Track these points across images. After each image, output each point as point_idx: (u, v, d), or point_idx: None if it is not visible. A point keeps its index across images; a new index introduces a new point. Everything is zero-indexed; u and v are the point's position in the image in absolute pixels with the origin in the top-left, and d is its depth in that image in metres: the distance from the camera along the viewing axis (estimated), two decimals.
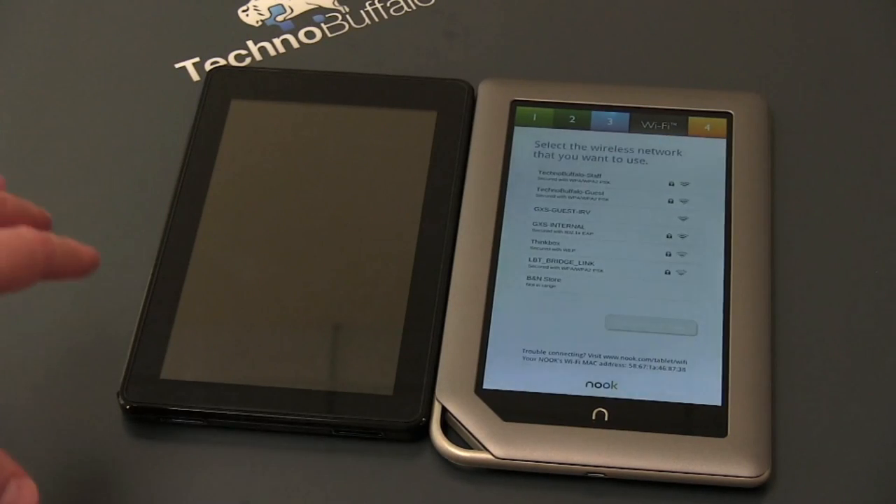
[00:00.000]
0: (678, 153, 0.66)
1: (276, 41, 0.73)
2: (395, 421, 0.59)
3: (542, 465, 0.58)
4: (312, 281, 0.63)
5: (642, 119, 0.67)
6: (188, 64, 0.72)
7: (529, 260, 0.63)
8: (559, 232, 0.64)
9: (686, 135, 0.67)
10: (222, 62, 0.72)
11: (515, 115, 0.68)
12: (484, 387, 0.60)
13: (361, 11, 0.74)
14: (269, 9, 0.74)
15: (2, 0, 0.75)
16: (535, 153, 0.67)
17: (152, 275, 0.63)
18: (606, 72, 0.71)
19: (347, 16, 0.74)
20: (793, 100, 0.70)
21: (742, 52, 0.72)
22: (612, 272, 0.63)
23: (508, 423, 0.59)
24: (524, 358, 0.61)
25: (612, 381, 0.60)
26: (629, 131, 0.67)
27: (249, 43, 0.73)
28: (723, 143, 0.67)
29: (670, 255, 0.63)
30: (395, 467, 0.59)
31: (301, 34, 0.73)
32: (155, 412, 0.60)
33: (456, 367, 0.60)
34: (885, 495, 0.58)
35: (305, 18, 0.74)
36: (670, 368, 0.60)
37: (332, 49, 0.73)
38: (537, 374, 0.60)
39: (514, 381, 0.60)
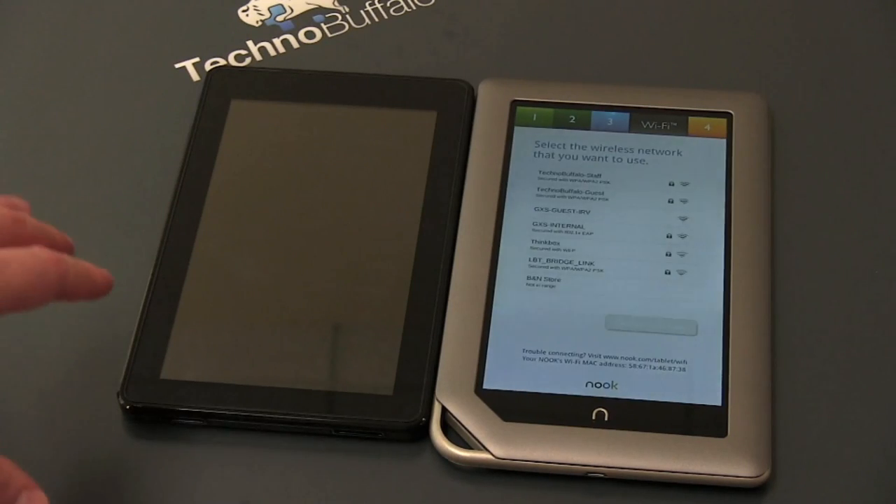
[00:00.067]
0: (678, 153, 0.66)
1: (276, 41, 0.73)
2: (395, 421, 0.59)
3: (542, 465, 0.58)
4: (312, 281, 0.63)
5: (642, 119, 0.67)
6: (188, 64, 0.72)
7: (529, 260, 0.63)
8: (559, 232, 0.64)
9: (686, 135, 0.67)
10: (222, 62, 0.72)
11: (515, 115, 0.68)
12: (484, 387, 0.60)
13: (361, 11, 0.74)
14: (269, 9, 0.74)
15: (2, 0, 0.75)
16: (535, 153, 0.67)
17: (152, 275, 0.63)
18: (606, 72, 0.71)
19: (347, 16, 0.74)
20: (793, 100, 0.70)
21: (742, 52, 0.72)
22: (612, 272, 0.63)
23: (508, 423, 0.59)
24: (524, 358, 0.61)
25: (612, 381, 0.60)
26: (629, 131, 0.67)
27: (249, 43, 0.73)
28: (723, 143, 0.67)
29: (670, 255, 0.63)
30: (395, 467, 0.59)
31: (301, 34, 0.73)
32: (155, 412, 0.60)
33: (456, 367, 0.60)
34: (885, 495, 0.58)
35: (305, 18, 0.74)
36: (670, 368, 0.60)
37: (332, 49, 0.73)
38: (537, 374, 0.60)
39: (514, 381, 0.60)
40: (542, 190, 0.65)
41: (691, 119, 0.67)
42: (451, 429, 0.59)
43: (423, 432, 0.59)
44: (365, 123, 0.68)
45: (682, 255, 0.63)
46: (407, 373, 0.60)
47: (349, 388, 0.60)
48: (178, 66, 0.72)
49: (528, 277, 0.63)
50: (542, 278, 0.63)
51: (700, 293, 0.62)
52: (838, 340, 0.62)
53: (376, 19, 0.74)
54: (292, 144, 0.68)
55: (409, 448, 0.59)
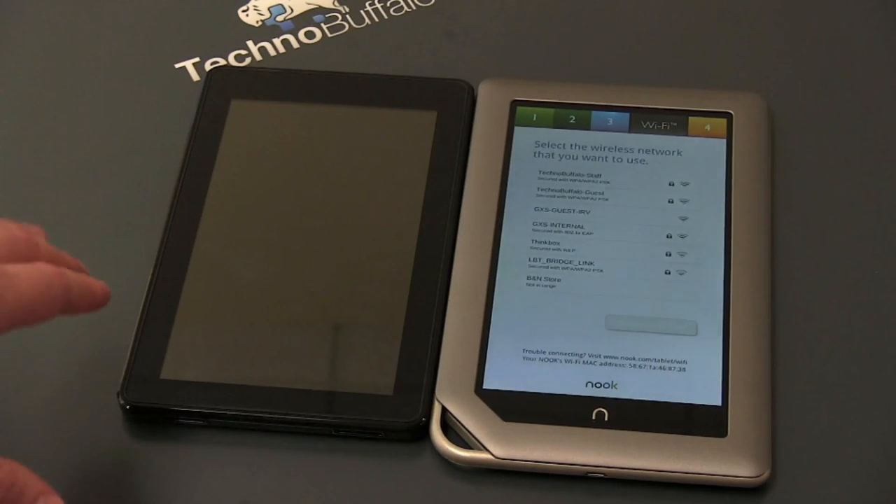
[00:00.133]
0: (678, 153, 0.66)
1: (276, 41, 0.73)
2: (395, 421, 0.59)
3: (542, 465, 0.58)
4: (312, 281, 0.63)
5: (642, 119, 0.67)
6: (188, 64, 0.72)
7: (529, 260, 0.63)
8: (559, 232, 0.64)
9: (686, 135, 0.67)
10: (222, 62, 0.72)
11: (515, 115, 0.68)
12: (484, 387, 0.60)
13: (361, 11, 0.74)
14: (269, 9, 0.74)
15: (2, 0, 0.75)
16: (535, 153, 0.67)
17: (152, 275, 0.63)
18: (606, 72, 0.71)
19: (347, 16, 0.74)
20: (793, 100, 0.70)
21: (742, 52, 0.72)
22: (612, 272, 0.63)
23: (508, 423, 0.59)
24: (524, 358, 0.61)
25: (612, 381, 0.60)
26: (629, 131, 0.67)
27: (249, 43, 0.73)
28: (723, 143, 0.67)
29: (670, 255, 0.63)
30: (395, 467, 0.59)
31: (301, 34, 0.73)
32: (155, 412, 0.60)
33: (456, 367, 0.60)
34: (885, 495, 0.58)
35: (305, 18, 0.74)
36: (670, 368, 0.60)
37: (332, 49, 0.73)
38: (537, 374, 0.60)
39: (514, 381, 0.60)
40: (542, 190, 0.65)
41: (691, 119, 0.67)
42: (451, 429, 0.59)
43: (423, 432, 0.59)
44: (365, 123, 0.68)
45: (682, 255, 0.63)
46: (407, 373, 0.60)
47: (349, 388, 0.60)
48: (178, 66, 0.72)
49: (528, 277, 0.63)
50: (542, 278, 0.63)
51: (700, 293, 0.62)
52: (838, 340, 0.62)
53: (376, 19, 0.74)
54: (292, 144, 0.68)
55: (409, 448, 0.59)
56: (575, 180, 0.66)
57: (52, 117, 0.70)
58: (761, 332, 0.61)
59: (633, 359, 0.60)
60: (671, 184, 0.65)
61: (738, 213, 0.64)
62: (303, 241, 0.65)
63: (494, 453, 0.58)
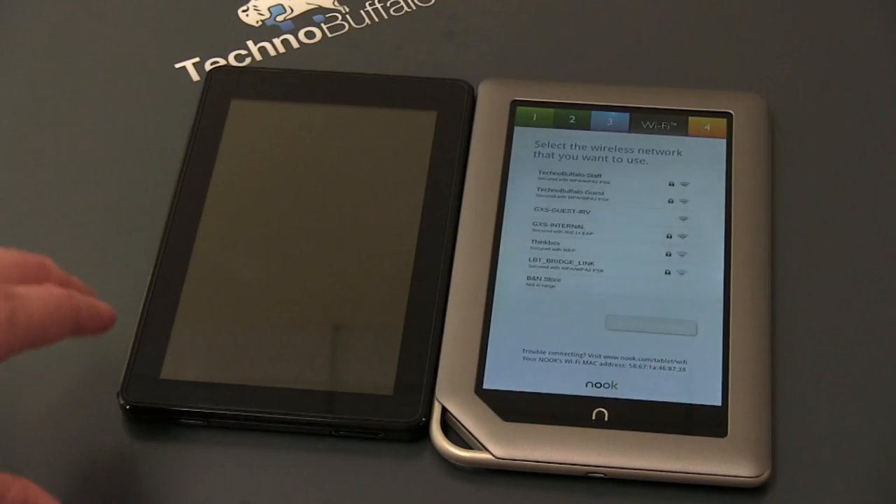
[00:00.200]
0: (678, 153, 0.66)
1: (276, 41, 0.73)
2: (395, 421, 0.59)
3: (542, 465, 0.58)
4: (312, 281, 0.63)
5: (642, 119, 0.67)
6: (188, 64, 0.72)
7: (529, 260, 0.63)
8: (559, 232, 0.64)
9: (686, 135, 0.67)
10: (222, 62, 0.72)
11: (515, 115, 0.68)
12: (484, 387, 0.60)
13: (361, 11, 0.74)
14: (269, 9, 0.74)
15: (2, 0, 0.75)
16: (535, 153, 0.67)
17: (152, 275, 0.63)
18: (606, 72, 0.71)
19: (347, 16, 0.74)
20: (793, 100, 0.70)
21: (742, 52, 0.72)
22: (612, 272, 0.63)
23: (508, 423, 0.59)
24: (524, 358, 0.61)
25: (612, 381, 0.60)
26: (629, 131, 0.67)
27: (249, 43, 0.73)
28: (723, 143, 0.67)
29: (670, 255, 0.63)
30: (395, 467, 0.59)
31: (301, 34, 0.73)
32: (155, 412, 0.60)
33: (456, 367, 0.60)
34: (885, 495, 0.58)
35: (305, 18, 0.74)
36: (670, 368, 0.60)
37: (332, 49, 0.73)
38: (537, 374, 0.60)
39: (514, 381, 0.60)
40: (542, 190, 0.65)
41: (691, 119, 0.67)
42: (451, 429, 0.59)
43: (423, 432, 0.59)
44: (365, 123, 0.68)
45: (682, 255, 0.63)
46: (407, 373, 0.60)
47: (349, 388, 0.60)
48: (178, 66, 0.72)
49: (528, 277, 0.63)
50: (542, 278, 0.63)
51: (700, 293, 0.62)
52: (838, 340, 0.62)
53: (376, 19, 0.74)
54: (292, 144, 0.68)
55: (409, 448, 0.59)
56: (575, 180, 0.66)
57: (52, 117, 0.70)
58: (761, 332, 0.61)
59: (633, 359, 0.60)
60: (671, 184, 0.65)
61: (738, 213, 0.64)
62: (303, 240, 0.65)
63: (494, 453, 0.58)
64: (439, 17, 0.74)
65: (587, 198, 0.65)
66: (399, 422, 0.59)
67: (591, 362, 0.60)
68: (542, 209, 0.65)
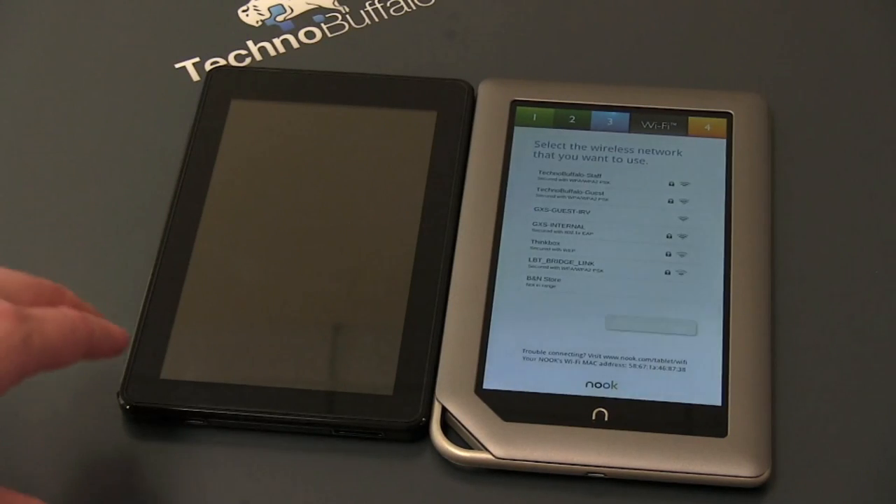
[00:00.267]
0: (678, 153, 0.66)
1: (276, 41, 0.73)
2: (395, 421, 0.59)
3: (542, 465, 0.58)
4: (312, 281, 0.63)
5: (642, 119, 0.67)
6: (188, 64, 0.72)
7: (529, 260, 0.63)
8: (559, 232, 0.64)
9: (686, 135, 0.67)
10: (222, 62, 0.72)
11: (515, 115, 0.68)
12: (484, 387, 0.60)
13: (361, 11, 0.74)
14: (269, 9, 0.74)
15: (2, 0, 0.75)
16: (535, 153, 0.67)
17: (152, 275, 0.63)
18: (606, 72, 0.71)
19: (347, 16, 0.74)
20: (793, 100, 0.70)
21: (742, 52, 0.72)
22: (612, 272, 0.63)
23: (508, 423, 0.59)
24: (524, 358, 0.61)
25: (612, 381, 0.60)
26: (629, 131, 0.67)
27: (249, 43, 0.73)
28: (723, 143, 0.67)
29: (670, 255, 0.63)
30: (395, 467, 0.59)
31: (301, 34, 0.73)
32: (155, 412, 0.60)
33: (456, 367, 0.60)
34: (885, 495, 0.58)
35: (305, 18, 0.74)
36: (670, 368, 0.60)
37: (332, 49, 0.73)
38: (537, 374, 0.60)
39: (514, 381, 0.60)
40: (542, 190, 0.65)
41: (691, 119, 0.67)
42: (451, 429, 0.59)
43: (423, 432, 0.59)
44: (365, 123, 0.68)
45: (682, 255, 0.63)
46: (407, 373, 0.60)
47: (349, 388, 0.60)
48: (178, 66, 0.72)
49: (528, 277, 0.63)
50: (542, 278, 0.63)
51: (700, 293, 0.62)
52: (838, 340, 0.62)
53: (376, 19, 0.74)
54: (292, 144, 0.68)
55: (409, 448, 0.59)
56: (575, 180, 0.66)
57: (51, 117, 0.70)
58: (761, 332, 0.61)
59: (633, 359, 0.60)
60: (671, 184, 0.65)
61: (738, 213, 0.64)
62: (303, 240, 0.65)
63: (494, 453, 0.58)
64: (439, 17, 0.74)
65: (587, 198, 0.65)
66: (399, 422, 0.59)
67: (591, 362, 0.60)
68: (542, 209, 0.65)
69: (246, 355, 0.61)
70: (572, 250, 0.64)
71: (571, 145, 0.67)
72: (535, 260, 0.63)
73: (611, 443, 0.58)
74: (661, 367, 0.60)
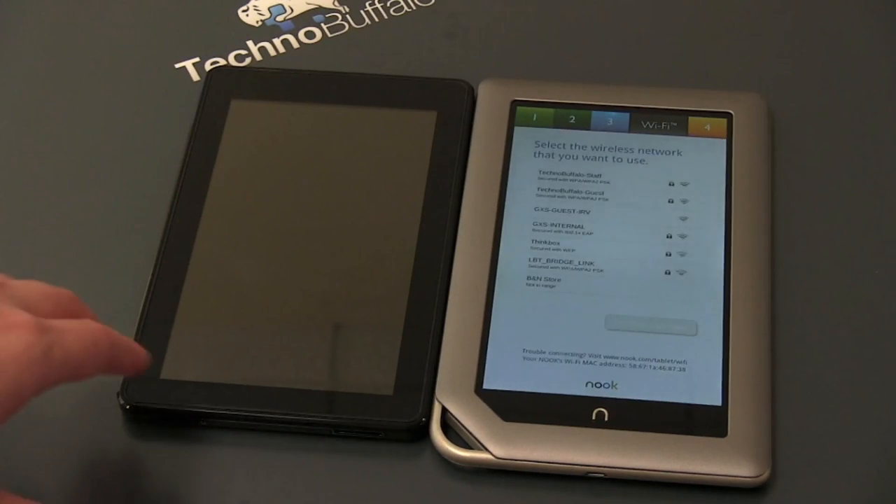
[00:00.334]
0: (678, 153, 0.66)
1: (276, 41, 0.73)
2: (395, 421, 0.59)
3: (542, 465, 0.58)
4: (312, 281, 0.63)
5: (642, 119, 0.67)
6: (188, 64, 0.72)
7: (529, 260, 0.63)
8: (559, 232, 0.64)
9: (686, 135, 0.67)
10: (222, 62, 0.72)
11: (515, 115, 0.68)
12: (484, 387, 0.60)
13: (361, 11, 0.74)
14: (269, 9, 0.74)
15: (2, 0, 0.75)
16: (535, 153, 0.67)
17: (152, 275, 0.63)
18: (606, 72, 0.71)
19: (347, 16, 0.74)
20: (793, 100, 0.70)
21: (742, 52, 0.72)
22: (612, 272, 0.63)
23: (508, 423, 0.59)
24: (524, 358, 0.61)
25: (612, 381, 0.60)
26: (629, 131, 0.67)
27: (249, 43, 0.73)
28: (723, 143, 0.67)
29: (670, 255, 0.63)
30: (395, 467, 0.59)
31: (301, 34, 0.73)
32: (155, 412, 0.60)
33: (456, 367, 0.60)
34: (885, 495, 0.58)
35: (305, 18, 0.74)
36: (670, 368, 0.60)
37: (332, 49, 0.73)
38: (537, 374, 0.60)
39: (514, 381, 0.60)
40: (542, 190, 0.65)
41: (691, 119, 0.67)
42: (451, 429, 0.59)
43: (423, 432, 0.59)
44: (365, 123, 0.68)
45: (682, 255, 0.63)
46: (407, 373, 0.60)
47: (349, 388, 0.60)
48: (178, 66, 0.72)
49: (528, 277, 0.63)
50: (542, 278, 0.63)
51: (700, 293, 0.62)
52: (838, 340, 0.62)
53: (376, 19, 0.74)
54: (292, 144, 0.68)
55: (409, 448, 0.59)
56: (575, 180, 0.66)
57: (51, 117, 0.70)
58: (761, 332, 0.61)
59: (633, 359, 0.60)
60: (671, 184, 0.65)
61: (738, 213, 0.64)
62: (303, 240, 0.65)
63: (494, 453, 0.58)
64: (439, 17, 0.74)
65: (587, 198, 0.65)
66: (399, 422, 0.59)
67: (591, 362, 0.60)
68: (542, 209, 0.65)
69: (246, 355, 0.61)
70: (572, 250, 0.64)
71: (571, 145, 0.67)
72: (535, 260, 0.63)
73: (611, 443, 0.58)
74: (661, 367, 0.60)
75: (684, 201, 0.65)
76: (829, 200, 0.66)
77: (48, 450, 0.59)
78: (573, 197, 0.65)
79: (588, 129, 0.67)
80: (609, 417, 0.59)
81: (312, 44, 0.73)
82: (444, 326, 0.61)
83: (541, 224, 0.64)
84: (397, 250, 0.64)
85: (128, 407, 0.60)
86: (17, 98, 0.71)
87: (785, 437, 0.59)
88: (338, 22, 0.74)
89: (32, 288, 0.54)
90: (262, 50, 0.73)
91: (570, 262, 0.63)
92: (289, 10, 0.74)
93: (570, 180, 0.66)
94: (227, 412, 0.59)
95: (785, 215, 0.66)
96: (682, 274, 0.63)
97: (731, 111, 0.67)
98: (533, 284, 0.63)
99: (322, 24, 0.74)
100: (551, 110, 0.68)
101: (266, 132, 0.68)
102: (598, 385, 0.60)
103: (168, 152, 0.67)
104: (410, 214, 0.65)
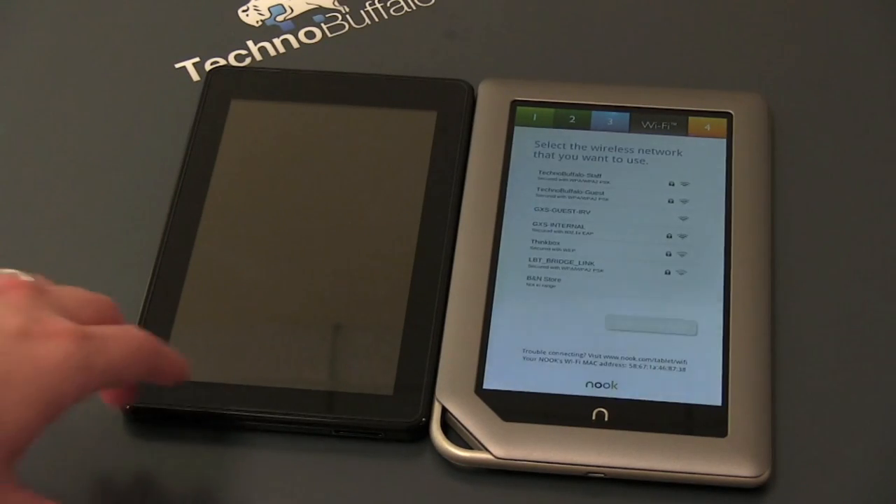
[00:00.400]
0: (678, 153, 0.66)
1: (276, 41, 0.73)
2: (395, 421, 0.59)
3: (542, 465, 0.58)
4: (312, 281, 0.63)
5: (642, 119, 0.67)
6: (188, 64, 0.72)
7: (529, 260, 0.63)
8: (559, 232, 0.64)
9: (686, 135, 0.67)
10: (222, 62, 0.72)
11: (515, 115, 0.68)
12: (484, 387, 0.60)
13: (361, 11, 0.74)
14: (269, 9, 0.74)
15: (2, 0, 0.75)
16: (535, 153, 0.67)
17: (152, 275, 0.63)
18: (606, 72, 0.71)
19: (347, 16, 0.74)
20: (793, 100, 0.70)
21: (742, 52, 0.72)
22: (612, 272, 0.63)
23: (508, 423, 0.59)
24: (524, 358, 0.61)
25: (612, 381, 0.60)
26: (629, 131, 0.67)
27: (249, 43, 0.73)
28: (723, 143, 0.67)
29: (670, 255, 0.63)
30: (395, 467, 0.59)
31: (301, 34, 0.73)
32: (155, 412, 0.60)
33: (456, 367, 0.60)
34: (885, 495, 0.58)
35: (305, 18, 0.74)
36: (670, 368, 0.60)
37: (332, 49, 0.73)
38: (537, 374, 0.60)
39: (514, 381, 0.60)
40: (542, 190, 0.65)
41: (691, 119, 0.67)
42: (451, 429, 0.59)
43: (423, 432, 0.59)
44: (365, 123, 0.68)
45: (682, 255, 0.63)
46: (407, 373, 0.60)
47: (349, 388, 0.60)
48: (178, 66, 0.72)
49: (528, 277, 0.63)
50: (542, 278, 0.63)
51: (700, 293, 0.62)
52: (838, 341, 0.62)
53: (376, 19, 0.74)
54: (292, 144, 0.68)
55: (409, 448, 0.59)
56: (575, 180, 0.66)
57: (52, 117, 0.70)
58: (761, 332, 0.61)
59: (633, 359, 0.60)
60: (671, 184, 0.65)
61: (738, 213, 0.64)
62: (303, 240, 0.65)
63: (494, 453, 0.58)
64: (439, 17, 0.74)
65: (587, 198, 0.65)
66: (399, 422, 0.59)
67: (591, 362, 0.60)
68: (542, 209, 0.65)
69: (246, 355, 0.61)
70: (572, 250, 0.64)
71: (571, 145, 0.67)
72: (535, 260, 0.63)
73: (611, 443, 0.58)
74: (661, 367, 0.60)
75: (684, 201, 0.65)
76: (828, 200, 0.66)
77: (48, 450, 0.59)
78: (573, 197, 0.65)
79: (588, 129, 0.67)
80: (609, 417, 0.59)
81: (312, 44, 0.73)
82: (444, 326, 0.61)
83: (541, 224, 0.64)
84: (397, 250, 0.64)
85: (128, 407, 0.59)
86: (18, 98, 0.71)
87: (785, 437, 0.59)
88: (338, 22, 0.74)
89: (73, 294, 0.54)
90: (262, 50, 0.73)
91: (570, 262, 0.63)
92: (289, 10, 0.74)
93: (570, 180, 0.66)
94: (228, 412, 0.59)
95: (785, 215, 0.66)
96: (682, 274, 0.63)
97: (731, 111, 0.67)
98: (533, 284, 0.63)
99: (322, 24, 0.74)
100: (551, 110, 0.68)
101: (266, 132, 0.68)
102: (598, 385, 0.60)
103: (168, 152, 0.67)
104: (410, 214, 0.65)
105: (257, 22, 0.74)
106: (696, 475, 0.58)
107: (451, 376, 0.60)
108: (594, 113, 0.68)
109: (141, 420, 0.60)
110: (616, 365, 0.60)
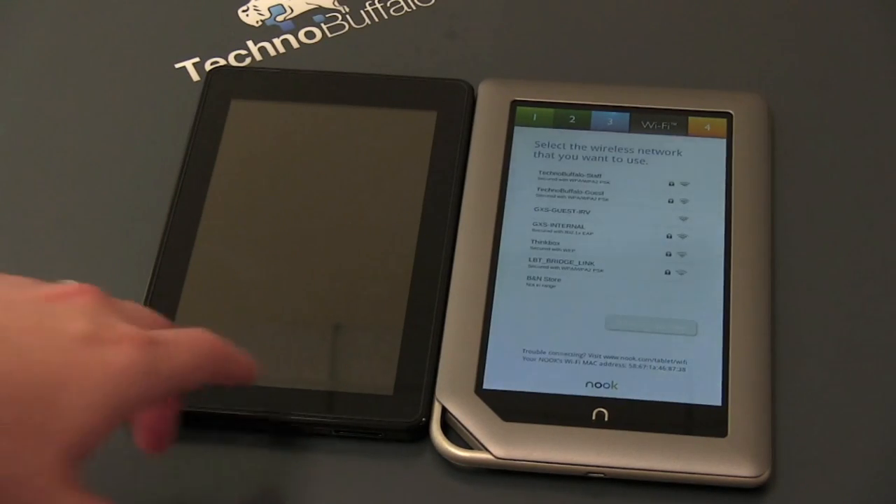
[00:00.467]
0: (678, 153, 0.66)
1: (276, 41, 0.73)
2: (395, 421, 0.59)
3: (542, 465, 0.58)
4: (313, 281, 0.63)
5: (642, 119, 0.67)
6: (188, 64, 0.72)
7: (529, 260, 0.63)
8: (559, 232, 0.64)
9: (686, 135, 0.67)
10: (222, 62, 0.72)
11: (515, 115, 0.68)
12: (484, 387, 0.60)
13: (361, 11, 0.74)
14: (269, 9, 0.74)
15: (2, 0, 0.75)
16: (535, 153, 0.67)
17: (152, 274, 0.63)
18: (606, 72, 0.71)
19: (347, 16, 0.74)
20: (793, 100, 0.70)
21: (742, 52, 0.72)
22: (612, 272, 0.63)
23: (508, 423, 0.59)
24: (524, 358, 0.61)
25: (612, 381, 0.60)
26: (629, 131, 0.67)
27: (249, 43, 0.73)
28: (723, 143, 0.67)
29: (670, 255, 0.63)
30: (395, 467, 0.59)
31: (301, 34, 0.73)
32: None
33: (456, 367, 0.60)
34: (885, 495, 0.58)
35: (305, 18, 0.74)
36: (670, 368, 0.60)
37: (332, 49, 0.73)
38: (537, 374, 0.60)
39: (514, 381, 0.60)
40: (542, 190, 0.65)
41: (691, 119, 0.67)
42: (451, 429, 0.59)
43: (423, 432, 0.59)
44: (365, 123, 0.68)
45: (682, 255, 0.63)
46: (407, 373, 0.60)
47: (349, 388, 0.60)
48: (178, 66, 0.72)
49: (528, 277, 0.63)
50: (542, 278, 0.63)
51: (700, 293, 0.62)
52: (838, 341, 0.62)
53: (376, 19, 0.74)
54: (292, 144, 0.68)
55: (409, 448, 0.59)
56: (575, 180, 0.66)
57: (52, 117, 0.70)
58: (761, 332, 0.61)
59: (633, 359, 0.60)
60: (671, 184, 0.65)
61: (738, 213, 0.64)
62: (303, 241, 0.65)
63: (494, 453, 0.58)
64: (439, 17, 0.74)
65: (587, 198, 0.65)
66: (399, 422, 0.59)
67: (591, 362, 0.60)
68: (542, 209, 0.65)
69: None
70: (572, 250, 0.64)
71: (571, 145, 0.67)
72: (535, 260, 0.63)
73: (611, 443, 0.58)
74: (660, 368, 0.60)
75: (684, 201, 0.65)
76: (828, 200, 0.66)
77: None
78: (573, 197, 0.65)
79: (588, 129, 0.67)
80: (609, 417, 0.59)
81: (312, 44, 0.73)
82: (444, 326, 0.61)
83: (541, 224, 0.64)
84: (397, 250, 0.64)
85: None
86: (18, 98, 0.71)
87: (785, 437, 0.59)
88: (338, 22, 0.74)
89: (133, 304, 0.54)
90: (262, 50, 0.73)
91: (570, 262, 0.63)
92: (289, 10, 0.74)
93: (570, 180, 0.66)
94: (228, 412, 0.59)
95: (785, 215, 0.66)
96: (682, 274, 0.63)
97: (731, 111, 0.67)
98: (533, 284, 0.63)
99: (322, 24, 0.74)
100: (551, 110, 0.68)
101: (266, 132, 0.68)
102: (598, 385, 0.60)
103: (168, 152, 0.67)
104: (410, 214, 0.65)
105: (257, 22, 0.74)
106: (695, 475, 0.58)
107: (451, 376, 0.60)
108: (594, 113, 0.68)
109: None
110: (616, 365, 0.60)
